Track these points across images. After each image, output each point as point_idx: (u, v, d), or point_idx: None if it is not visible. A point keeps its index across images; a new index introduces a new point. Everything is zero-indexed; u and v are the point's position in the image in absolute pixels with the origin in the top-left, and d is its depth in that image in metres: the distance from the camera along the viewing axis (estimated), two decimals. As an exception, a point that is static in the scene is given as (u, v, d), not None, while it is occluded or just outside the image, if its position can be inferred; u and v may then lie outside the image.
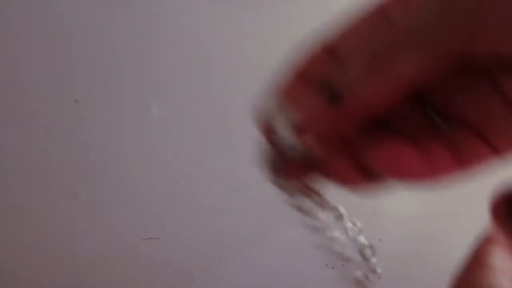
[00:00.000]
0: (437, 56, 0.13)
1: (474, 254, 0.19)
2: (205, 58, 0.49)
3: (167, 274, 0.37)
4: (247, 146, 0.47)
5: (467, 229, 0.40)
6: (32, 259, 0.37)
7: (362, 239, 0.28)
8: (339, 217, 0.31)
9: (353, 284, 0.25)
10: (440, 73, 0.13)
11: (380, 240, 0.38)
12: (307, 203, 0.31)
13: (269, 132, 0.18)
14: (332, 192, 0.38)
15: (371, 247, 0.26)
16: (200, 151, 0.43)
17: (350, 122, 0.15)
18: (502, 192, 0.14)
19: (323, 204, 0.30)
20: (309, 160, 0.17)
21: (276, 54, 0.53)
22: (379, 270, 0.26)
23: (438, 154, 0.15)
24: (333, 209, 0.32)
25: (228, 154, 0.43)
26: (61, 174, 0.41)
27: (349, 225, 0.30)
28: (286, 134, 0.18)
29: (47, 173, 0.41)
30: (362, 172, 0.15)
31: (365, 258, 0.26)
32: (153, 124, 0.45)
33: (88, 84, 0.47)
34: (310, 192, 0.31)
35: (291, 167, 0.17)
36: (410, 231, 0.39)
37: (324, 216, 0.32)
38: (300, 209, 0.29)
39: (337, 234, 0.33)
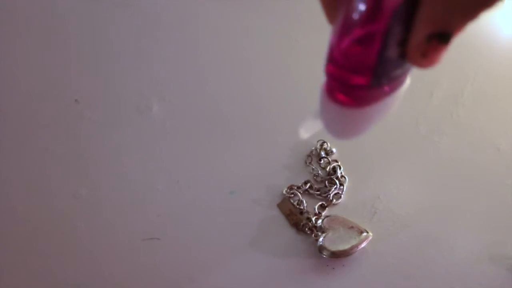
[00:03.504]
0: None
1: None
2: (205, 58, 0.49)
3: (167, 274, 0.37)
4: (247, 146, 0.47)
5: (468, 229, 0.40)
6: (32, 259, 0.37)
7: None
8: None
9: None
10: None
11: (381, 240, 0.39)
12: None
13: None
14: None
15: None
16: (200, 151, 0.43)
17: None
18: None
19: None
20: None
21: (276, 53, 0.53)
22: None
23: None
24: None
25: (228, 154, 0.43)
26: (61, 174, 0.41)
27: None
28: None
29: (47, 173, 0.41)
30: None
31: None
32: (153, 124, 0.45)
33: (88, 84, 0.47)
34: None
35: None
36: (410, 231, 0.39)
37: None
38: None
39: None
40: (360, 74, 0.20)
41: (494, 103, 0.47)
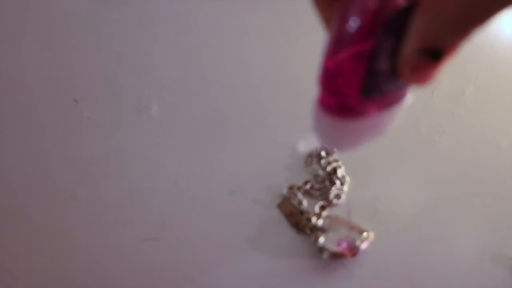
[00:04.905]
0: None
1: None
2: (205, 58, 0.49)
3: (167, 274, 0.37)
4: (247, 146, 0.47)
5: (468, 229, 0.40)
6: (32, 259, 0.37)
7: None
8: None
9: None
10: None
11: (381, 240, 0.38)
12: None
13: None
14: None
15: None
16: (200, 151, 0.43)
17: None
18: None
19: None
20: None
21: (276, 53, 0.53)
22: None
23: None
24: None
25: (228, 154, 0.43)
26: (61, 174, 0.41)
27: None
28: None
29: (46, 173, 0.41)
30: None
31: None
32: (153, 124, 0.44)
33: (88, 84, 0.47)
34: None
35: None
36: (411, 231, 0.39)
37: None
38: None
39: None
40: (351, 86, 0.20)
41: (496, 102, 0.47)
